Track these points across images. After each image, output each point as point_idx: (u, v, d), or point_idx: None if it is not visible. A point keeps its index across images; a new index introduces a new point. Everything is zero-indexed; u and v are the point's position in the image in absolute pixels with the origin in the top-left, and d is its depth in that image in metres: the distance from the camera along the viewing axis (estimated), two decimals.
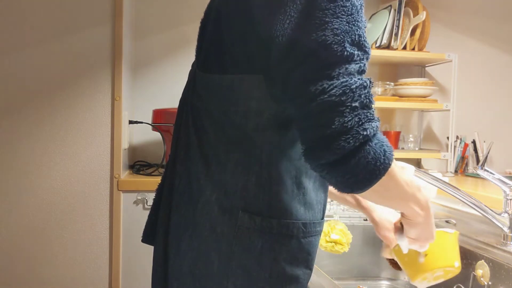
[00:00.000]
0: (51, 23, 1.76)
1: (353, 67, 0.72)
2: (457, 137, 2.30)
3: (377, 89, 2.23)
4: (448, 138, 2.25)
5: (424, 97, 2.22)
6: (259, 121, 0.79)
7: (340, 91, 0.70)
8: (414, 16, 2.21)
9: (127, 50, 1.94)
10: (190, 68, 0.95)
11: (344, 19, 0.72)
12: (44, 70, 1.76)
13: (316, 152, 0.72)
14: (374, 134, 0.72)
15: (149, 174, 1.94)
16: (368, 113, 0.71)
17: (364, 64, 0.74)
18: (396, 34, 2.20)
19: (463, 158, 2.27)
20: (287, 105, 0.77)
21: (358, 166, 0.71)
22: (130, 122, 2.01)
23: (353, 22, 0.73)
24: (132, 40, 2.18)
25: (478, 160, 2.18)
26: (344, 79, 0.70)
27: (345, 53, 0.71)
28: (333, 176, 0.73)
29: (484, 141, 2.21)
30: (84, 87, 1.79)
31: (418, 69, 2.47)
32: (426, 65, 2.43)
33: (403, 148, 2.37)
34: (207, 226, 0.80)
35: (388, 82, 2.25)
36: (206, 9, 0.91)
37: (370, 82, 0.73)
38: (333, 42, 0.71)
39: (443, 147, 2.45)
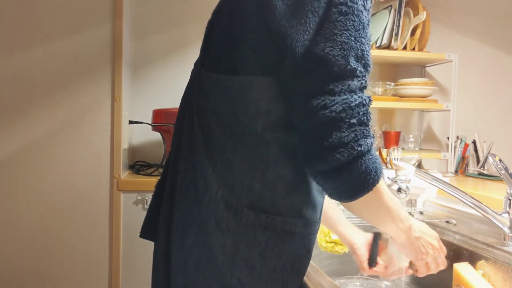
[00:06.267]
0: (51, 23, 1.76)
1: (355, 83, 0.76)
2: (457, 137, 2.29)
3: (377, 89, 2.23)
4: (448, 138, 2.25)
5: (424, 97, 2.22)
6: (267, 121, 0.81)
7: (341, 108, 0.74)
8: (414, 16, 2.21)
9: (127, 50, 1.94)
10: (190, 68, 0.95)
11: (352, 34, 0.75)
12: (44, 70, 1.76)
13: (312, 161, 0.77)
14: (368, 150, 0.77)
15: (149, 174, 1.93)
16: (365, 130, 0.76)
17: (366, 81, 0.78)
18: (397, 34, 2.20)
19: (463, 158, 2.27)
20: (291, 113, 0.80)
21: (349, 177, 0.76)
22: (130, 122, 2.01)
23: (359, 38, 0.76)
24: (132, 40, 2.18)
25: (478, 161, 2.18)
26: (345, 96, 0.75)
27: (349, 67, 0.74)
28: (325, 183, 0.79)
29: (485, 141, 2.20)
30: (84, 87, 1.79)
31: (418, 69, 2.47)
32: (426, 65, 2.43)
33: (403, 148, 2.36)
34: (212, 222, 0.82)
35: (388, 82, 2.25)
36: (216, 10, 0.91)
37: (369, 100, 0.78)
38: (339, 55, 0.74)
39: (443, 147, 2.44)
